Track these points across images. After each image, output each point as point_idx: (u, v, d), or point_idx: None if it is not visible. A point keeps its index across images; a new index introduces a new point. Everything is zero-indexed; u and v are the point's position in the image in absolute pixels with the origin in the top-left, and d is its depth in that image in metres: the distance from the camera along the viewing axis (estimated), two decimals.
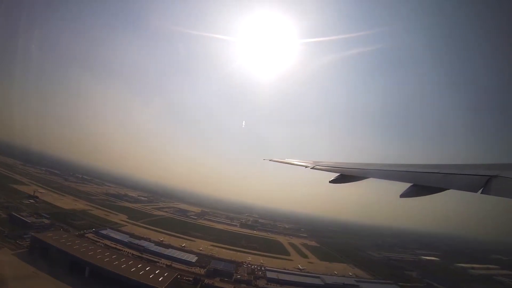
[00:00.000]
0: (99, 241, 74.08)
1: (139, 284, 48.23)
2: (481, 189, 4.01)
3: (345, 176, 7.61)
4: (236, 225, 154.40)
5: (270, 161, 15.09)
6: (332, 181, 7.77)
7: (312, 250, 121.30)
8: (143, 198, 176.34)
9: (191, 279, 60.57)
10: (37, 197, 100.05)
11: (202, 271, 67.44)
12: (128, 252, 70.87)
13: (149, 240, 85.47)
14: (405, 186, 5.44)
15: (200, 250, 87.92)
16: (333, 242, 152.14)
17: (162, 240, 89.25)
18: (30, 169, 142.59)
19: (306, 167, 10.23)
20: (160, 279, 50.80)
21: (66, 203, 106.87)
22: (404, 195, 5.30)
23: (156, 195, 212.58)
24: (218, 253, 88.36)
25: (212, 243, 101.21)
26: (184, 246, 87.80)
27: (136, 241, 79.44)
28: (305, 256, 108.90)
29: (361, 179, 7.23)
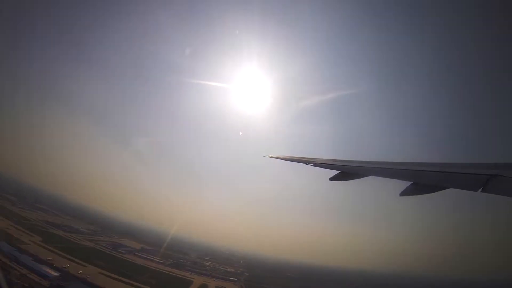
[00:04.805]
0: None
1: None
2: (481, 188, 4.10)
3: (345, 173, 7.51)
4: (162, 263, 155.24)
5: (270, 158, 14.82)
6: (332, 178, 7.67)
7: None
8: (86, 230, 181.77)
9: (26, 285, 68.88)
10: None
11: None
12: None
13: (35, 257, 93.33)
14: (404, 184, 5.31)
15: (79, 272, 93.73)
16: None
17: (49, 260, 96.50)
18: None
19: (307, 163, 10.04)
20: None
21: None
22: (404, 193, 5.26)
23: (108, 230, 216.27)
24: (96, 279, 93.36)
25: (104, 271, 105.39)
26: (65, 267, 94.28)
27: (15, 253, 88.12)
28: None
29: (361, 177, 7.11)
